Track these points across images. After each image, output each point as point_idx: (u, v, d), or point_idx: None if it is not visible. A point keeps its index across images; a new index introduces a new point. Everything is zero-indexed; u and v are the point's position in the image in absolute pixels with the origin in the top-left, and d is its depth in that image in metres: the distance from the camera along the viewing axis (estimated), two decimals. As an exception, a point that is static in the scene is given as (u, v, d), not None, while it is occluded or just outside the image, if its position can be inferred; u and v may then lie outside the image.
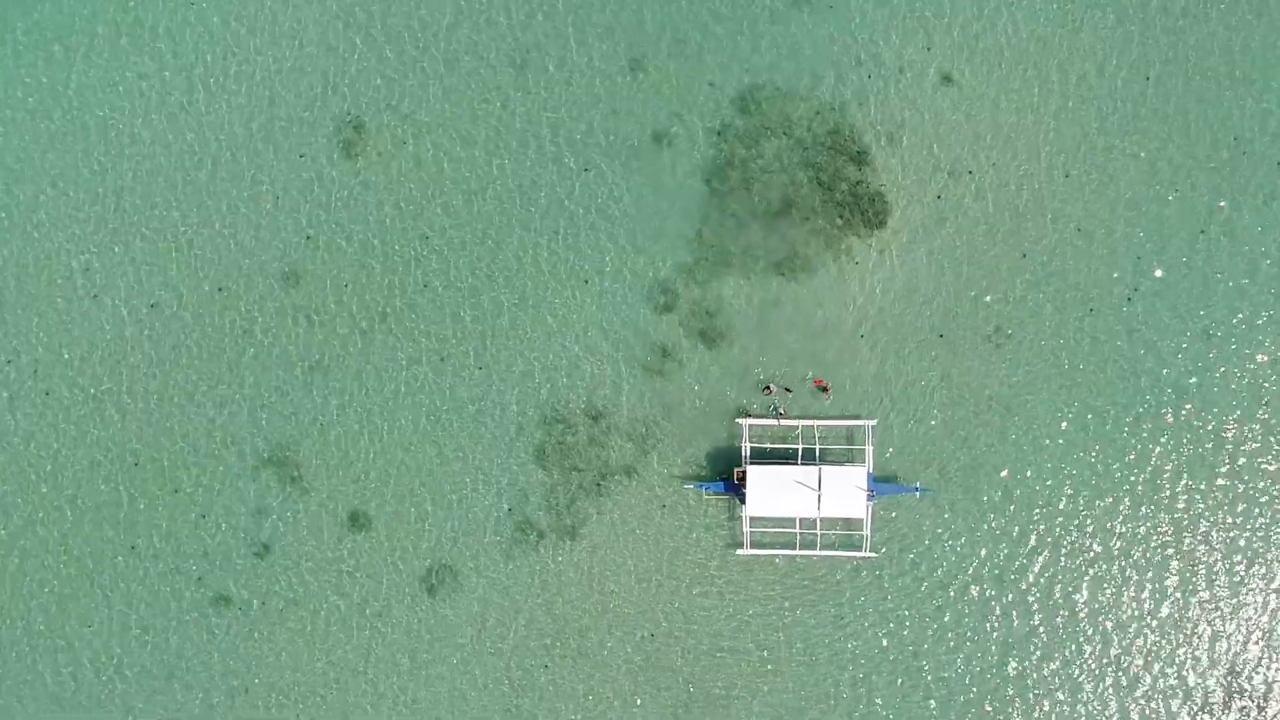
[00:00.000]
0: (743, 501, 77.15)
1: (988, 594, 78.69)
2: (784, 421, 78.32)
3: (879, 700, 78.79)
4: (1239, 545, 78.33)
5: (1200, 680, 78.28)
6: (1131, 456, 78.49)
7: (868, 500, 76.46)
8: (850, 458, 78.28)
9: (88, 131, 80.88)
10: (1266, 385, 78.16)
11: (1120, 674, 78.53)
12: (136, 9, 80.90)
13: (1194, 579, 78.39)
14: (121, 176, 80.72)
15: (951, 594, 78.78)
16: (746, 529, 78.04)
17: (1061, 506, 78.62)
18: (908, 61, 78.95)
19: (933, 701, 78.88)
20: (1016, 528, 78.67)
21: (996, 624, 78.65)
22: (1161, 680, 78.40)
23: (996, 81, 78.86)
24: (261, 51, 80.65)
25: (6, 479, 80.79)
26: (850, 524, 78.06)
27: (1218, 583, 78.38)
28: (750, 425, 78.18)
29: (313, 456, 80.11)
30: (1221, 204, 78.21)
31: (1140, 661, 78.43)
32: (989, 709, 78.63)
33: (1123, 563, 78.51)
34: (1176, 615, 78.48)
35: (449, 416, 79.92)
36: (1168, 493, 78.42)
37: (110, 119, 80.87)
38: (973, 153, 78.64)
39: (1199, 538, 78.36)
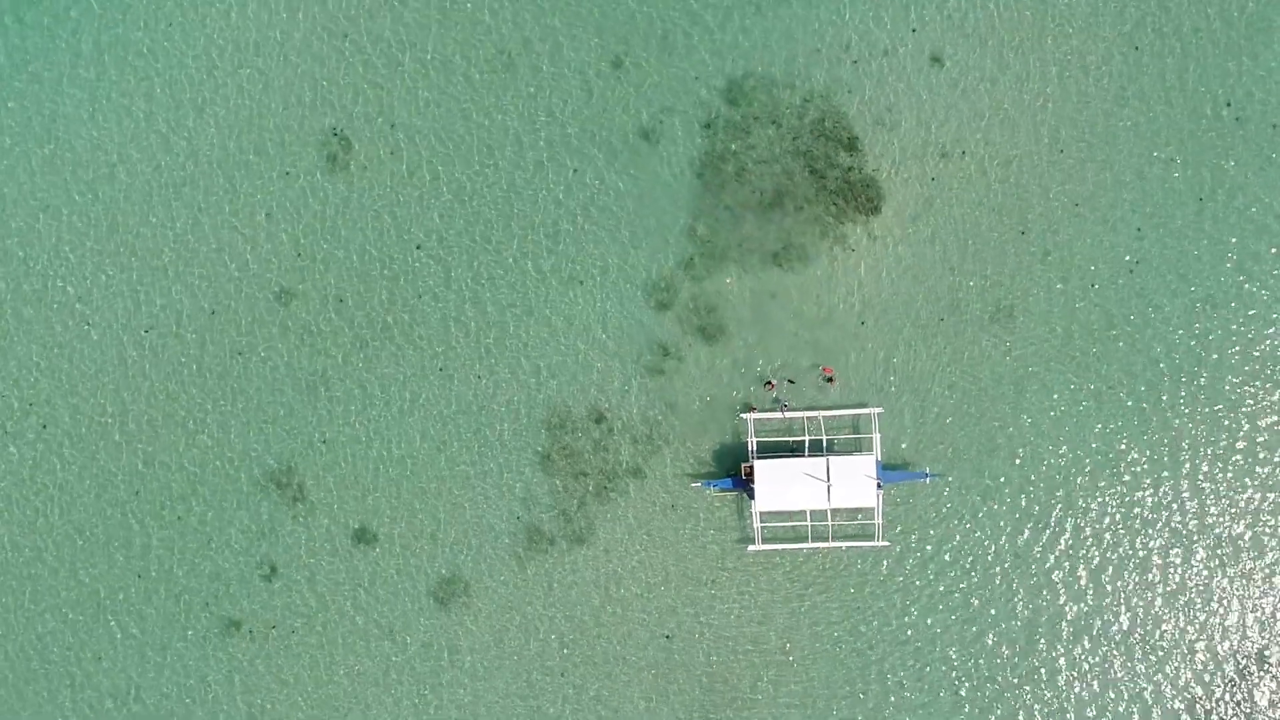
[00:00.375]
0: (752, 497, 76.57)
1: (1010, 576, 78.06)
2: (789, 414, 77.65)
3: (906, 690, 78.36)
4: (1265, 510, 77.54)
5: (1232, 651, 77.54)
6: (1148, 427, 77.66)
7: (877, 489, 75.89)
8: (858, 447, 77.61)
9: (75, 156, 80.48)
10: (1278, 347, 77.31)
11: (1151, 648, 77.87)
12: (116, 30, 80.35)
13: (1220, 548, 77.64)
14: (112, 200, 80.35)
15: (973, 578, 78.20)
16: (757, 524, 77.41)
17: (1079, 483, 77.89)
18: (895, 43, 78.07)
19: (963, 689, 78.36)
20: (1035, 507, 78.00)
21: (1020, 606, 78.02)
22: (1193, 653, 77.73)
23: (986, 59, 77.93)
24: (245, 66, 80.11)
25: (12, 510, 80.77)
26: (863, 514, 77.62)
27: (1244, 550, 77.59)
28: (755, 420, 77.61)
29: (318, 473, 79.84)
30: (1231, 164, 77.53)
31: (1172, 634, 77.79)
32: (1021, 692, 78.11)
33: (1146, 535, 77.77)
34: (1205, 586, 77.78)
35: (452, 426, 79.51)
36: (1188, 462, 77.60)
37: (97, 142, 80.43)
38: (966, 132, 77.76)
39: (1223, 505, 77.62)
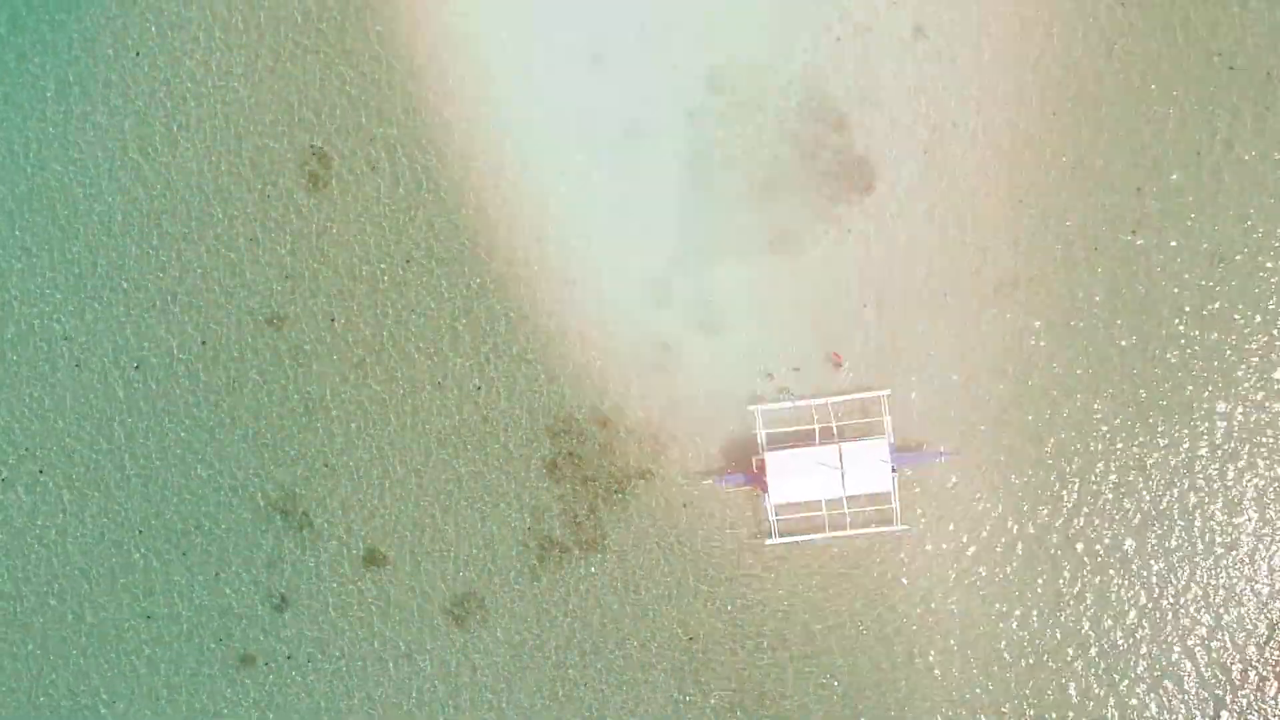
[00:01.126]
0: (766, 490, 75.70)
1: (1034, 551, 77.04)
2: (797, 403, 76.76)
3: (944, 676, 77.32)
4: (1286, 465, 77.12)
5: (1265, 610, 76.48)
6: (1161, 389, 76.62)
7: (892, 472, 75.07)
8: (870, 431, 76.71)
9: (50, 193, 79.50)
10: (1287, 300, 76.88)
11: (1200, 611, 76.68)
12: (81, 63, 79.40)
13: (1243, 504, 76.63)
14: (92, 235, 79.46)
15: (1004, 556, 77.18)
16: (773, 518, 76.58)
17: (1097, 449, 76.86)
18: (877, 17, 77.15)
19: (1006, 672, 77.32)
20: (1053, 478, 77.01)
21: (1060, 581, 76.97)
22: (1225, 614, 76.49)
23: (971, 26, 76.98)
24: (218, 89, 79.21)
25: (13, 558, 79.95)
26: (880, 499, 76.65)
27: (1270, 506, 76.48)
28: (764, 411, 76.69)
29: (323, 498, 79.03)
30: (1226, 114, 76.43)
31: (1222, 595, 76.58)
32: (1069, 670, 76.92)
33: (1167, 498, 76.72)
34: (1252, 543, 76.67)
35: (455, 440, 78.71)
36: (1204, 421, 76.57)
37: (72, 177, 79.49)
38: (956, 103, 76.83)
39: (1242, 463, 76.57)
